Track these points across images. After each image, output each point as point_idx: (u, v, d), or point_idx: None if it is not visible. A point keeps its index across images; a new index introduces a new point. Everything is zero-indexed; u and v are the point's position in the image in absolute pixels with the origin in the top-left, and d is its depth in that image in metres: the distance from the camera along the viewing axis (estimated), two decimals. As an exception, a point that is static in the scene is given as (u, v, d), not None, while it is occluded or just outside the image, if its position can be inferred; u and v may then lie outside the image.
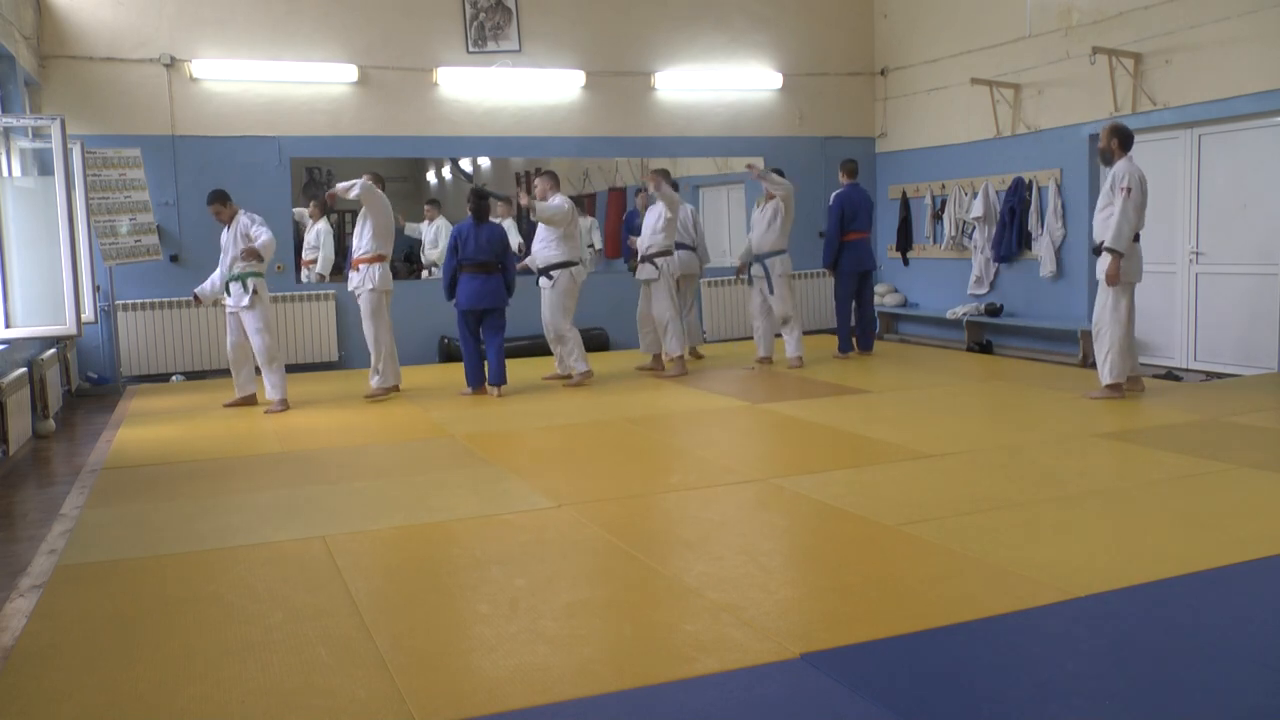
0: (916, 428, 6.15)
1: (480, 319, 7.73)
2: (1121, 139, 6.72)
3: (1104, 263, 6.67)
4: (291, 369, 9.49)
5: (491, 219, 7.87)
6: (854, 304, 9.44)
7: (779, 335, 9.09)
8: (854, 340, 9.50)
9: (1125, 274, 6.66)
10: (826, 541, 4.04)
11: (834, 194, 9.50)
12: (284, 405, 7.45)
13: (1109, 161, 6.81)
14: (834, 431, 6.13)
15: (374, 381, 7.82)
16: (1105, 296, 6.75)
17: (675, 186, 9.35)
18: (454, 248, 7.62)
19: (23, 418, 6.47)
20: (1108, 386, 6.83)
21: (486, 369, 7.84)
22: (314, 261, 10.19)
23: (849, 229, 9.25)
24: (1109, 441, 5.60)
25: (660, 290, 8.39)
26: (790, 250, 8.94)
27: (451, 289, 7.68)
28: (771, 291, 8.77)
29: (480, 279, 7.59)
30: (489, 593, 3.53)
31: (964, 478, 4.91)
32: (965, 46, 10.37)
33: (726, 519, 4.37)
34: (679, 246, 9.14)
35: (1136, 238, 6.69)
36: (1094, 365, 8.95)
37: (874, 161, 11.79)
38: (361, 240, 7.72)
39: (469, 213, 7.65)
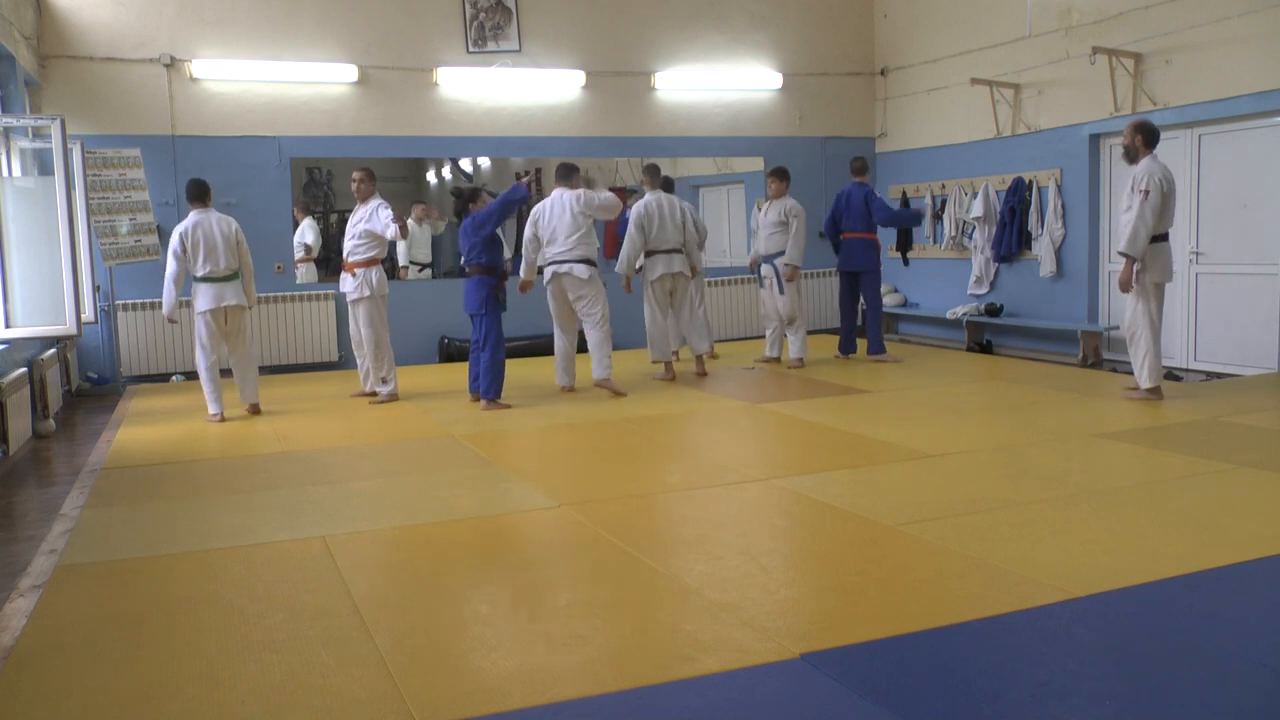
0: (917, 428, 6.15)
1: (473, 323, 7.34)
2: (1146, 135, 6.57)
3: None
4: (290, 369, 9.53)
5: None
6: (858, 304, 9.28)
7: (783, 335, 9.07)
8: (856, 341, 9.44)
9: (1155, 274, 6.57)
10: (826, 541, 4.04)
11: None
12: (214, 418, 7.01)
13: (1133, 159, 6.62)
14: (834, 431, 6.12)
15: (382, 390, 7.65)
16: (1134, 299, 6.65)
17: (669, 185, 9.02)
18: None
19: (23, 418, 6.47)
20: (1148, 390, 6.75)
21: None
22: (310, 258, 10.17)
23: (841, 228, 9.09)
24: (1109, 441, 5.60)
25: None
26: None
27: None
28: (781, 291, 8.74)
29: (467, 283, 7.29)
30: (489, 593, 3.53)
31: (964, 478, 4.91)
32: (965, 46, 10.37)
33: (726, 519, 4.37)
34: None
35: (1165, 237, 6.58)
36: (1094, 366, 9.01)
37: (874, 162, 11.78)
38: (355, 243, 7.49)
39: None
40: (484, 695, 2.70)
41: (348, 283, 7.58)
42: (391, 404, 7.57)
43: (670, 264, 8.18)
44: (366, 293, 7.45)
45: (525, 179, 7.29)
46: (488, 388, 7.23)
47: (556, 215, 7.50)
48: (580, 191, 7.52)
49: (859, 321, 9.37)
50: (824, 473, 5.07)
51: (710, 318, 10.68)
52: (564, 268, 7.49)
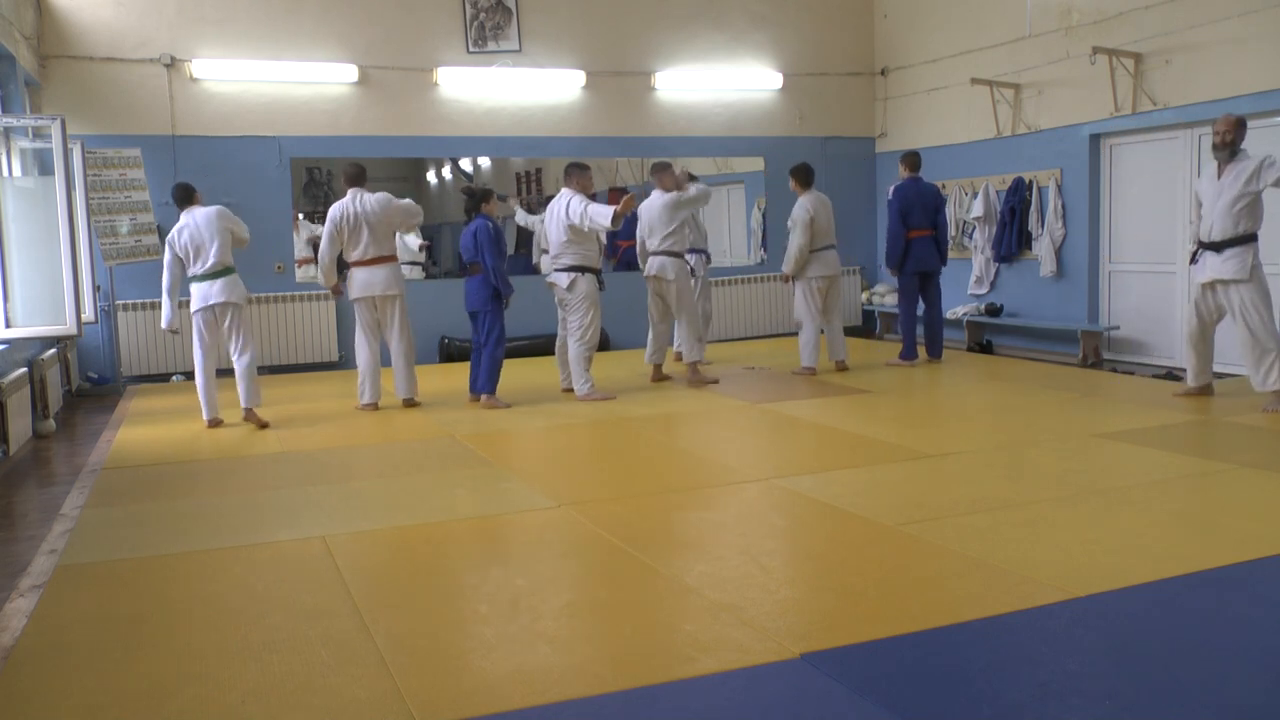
0: (917, 428, 6.15)
1: (474, 321, 7.36)
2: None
3: None
4: (290, 369, 9.52)
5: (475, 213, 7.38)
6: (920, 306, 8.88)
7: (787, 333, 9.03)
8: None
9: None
10: (826, 541, 4.04)
11: (891, 187, 8.96)
12: (208, 423, 6.81)
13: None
14: (834, 431, 6.12)
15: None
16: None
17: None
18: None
19: (23, 418, 6.47)
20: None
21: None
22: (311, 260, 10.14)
23: (908, 226, 8.62)
24: (1109, 441, 5.60)
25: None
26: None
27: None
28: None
29: (469, 281, 7.31)
30: (489, 593, 3.53)
31: (964, 478, 4.91)
32: (965, 46, 10.37)
33: (726, 519, 4.37)
34: (693, 250, 8.71)
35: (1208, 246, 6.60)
36: (1094, 366, 9.02)
37: (874, 161, 11.80)
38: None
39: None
40: (484, 695, 2.70)
41: None
42: (392, 405, 7.52)
43: (657, 265, 7.95)
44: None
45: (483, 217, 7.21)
46: (485, 383, 7.27)
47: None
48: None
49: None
50: (824, 473, 5.07)
51: (714, 317, 10.60)
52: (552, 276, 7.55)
